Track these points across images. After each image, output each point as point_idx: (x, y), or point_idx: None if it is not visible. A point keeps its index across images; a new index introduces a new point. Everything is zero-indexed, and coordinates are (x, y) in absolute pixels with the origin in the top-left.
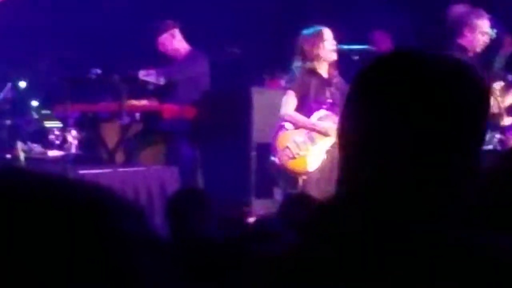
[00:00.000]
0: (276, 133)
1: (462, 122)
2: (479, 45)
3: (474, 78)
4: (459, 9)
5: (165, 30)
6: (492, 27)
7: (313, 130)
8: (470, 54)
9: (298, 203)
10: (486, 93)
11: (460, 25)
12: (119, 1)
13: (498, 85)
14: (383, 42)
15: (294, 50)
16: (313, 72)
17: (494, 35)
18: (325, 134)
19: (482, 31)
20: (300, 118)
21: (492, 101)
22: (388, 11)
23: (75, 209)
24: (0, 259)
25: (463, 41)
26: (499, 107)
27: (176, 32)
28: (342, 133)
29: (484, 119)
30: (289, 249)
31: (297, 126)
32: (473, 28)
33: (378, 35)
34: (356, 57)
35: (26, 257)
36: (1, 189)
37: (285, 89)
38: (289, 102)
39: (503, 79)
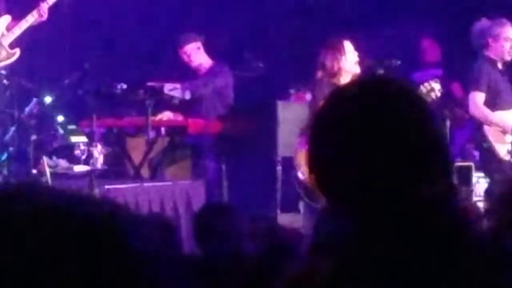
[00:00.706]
0: (299, 147)
1: (413, 152)
2: (506, 53)
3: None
4: (481, 23)
5: (190, 41)
6: None
7: None
8: (500, 65)
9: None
10: (430, 117)
11: (484, 37)
12: (143, 15)
13: None
14: (432, 51)
15: (316, 65)
16: (334, 86)
17: None
18: None
19: (505, 37)
20: None
21: None
22: (414, 24)
23: (97, 226)
24: (20, 271)
25: (490, 53)
26: None
27: (200, 45)
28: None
29: (434, 140)
30: (320, 270)
31: None
32: (496, 37)
33: (427, 43)
34: (381, 71)
35: (48, 271)
36: (22, 205)
37: (310, 105)
38: None
39: None
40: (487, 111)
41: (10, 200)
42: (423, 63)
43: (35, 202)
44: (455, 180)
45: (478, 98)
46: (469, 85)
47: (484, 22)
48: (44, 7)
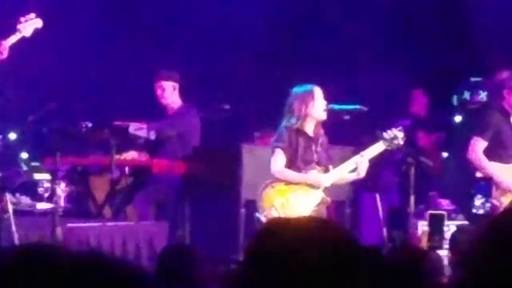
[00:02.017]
0: (263, 191)
1: None
2: None
3: None
4: (502, 74)
5: (170, 79)
6: None
7: (305, 183)
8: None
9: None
10: None
11: (501, 88)
12: (109, 53)
13: None
14: (420, 102)
15: (284, 107)
16: (300, 131)
17: None
18: (317, 185)
19: None
20: (291, 173)
21: None
22: (381, 70)
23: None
24: None
25: (505, 104)
26: None
27: (177, 86)
28: None
29: None
30: None
31: (289, 182)
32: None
33: (417, 94)
34: (347, 117)
35: None
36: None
37: (274, 147)
38: (278, 160)
39: None
40: (484, 159)
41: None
42: (409, 112)
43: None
44: (427, 228)
45: (478, 145)
46: (475, 130)
47: (504, 74)
48: (5, 44)
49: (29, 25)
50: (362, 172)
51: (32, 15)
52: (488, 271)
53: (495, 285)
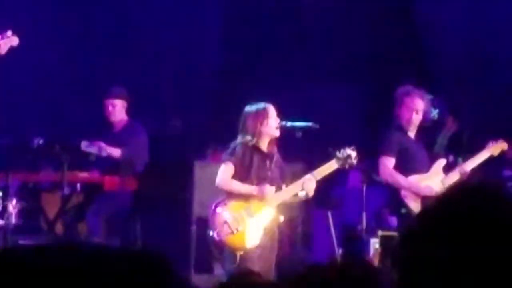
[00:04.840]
0: (215, 207)
1: None
2: (414, 123)
3: None
4: (402, 88)
5: (121, 97)
6: (434, 107)
7: (250, 195)
8: (410, 132)
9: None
10: None
11: (396, 104)
12: (62, 69)
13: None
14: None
15: (236, 124)
16: (255, 148)
17: (436, 116)
18: (262, 198)
19: (415, 109)
20: (236, 184)
21: None
22: (332, 87)
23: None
24: None
25: (401, 120)
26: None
27: (126, 104)
28: None
29: None
30: None
31: (234, 192)
32: (407, 107)
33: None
34: (299, 134)
35: None
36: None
37: (223, 161)
38: (225, 171)
39: (445, 158)
40: (397, 175)
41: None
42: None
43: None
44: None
45: (387, 163)
46: (378, 151)
47: (404, 88)
48: None
49: (5, 43)
50: (310, 193)
51: (9, 32)
52: (439, 247)
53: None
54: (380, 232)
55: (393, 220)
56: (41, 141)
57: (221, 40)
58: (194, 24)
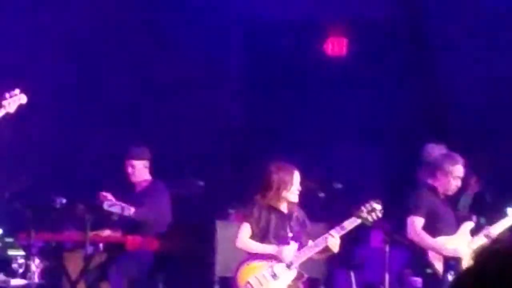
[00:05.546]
0: (238, 267)
1: None
2: (451, 189)
3: None
4: (435, 150)
5: (142, 158)
6: None
7: (271, 254)
8: (441, 195)
9: None
10: None
11: (434, 168)
12: (84, 130)
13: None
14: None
15: (259, 183)
16: (273, 208)
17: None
18: (282, 258)
19: (455, 176)
20: (254, 244)
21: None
22: (356, 148)
23: None
24: None
25: (434, 183)
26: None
27: (148, 164)
28: None
29: None
30: None
31: (253, 252)
32: (446, 173)
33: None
34: (322, 194)
35: None
36: None
37: (242, 221)
38: (243, 232)
39: (470, 219)
40: (425, 236)
41: None
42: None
43: None
44: None
45: (416, 223)
46: (408, 210)
47: (436, 150)
48: None
49: (14, 101)
50: (334, 249)
51: (17, 91)
52: None
53: None
54: None
55: (416, 281)
56: (64, 201)
57: (242, 98)
58: (216, 80)
